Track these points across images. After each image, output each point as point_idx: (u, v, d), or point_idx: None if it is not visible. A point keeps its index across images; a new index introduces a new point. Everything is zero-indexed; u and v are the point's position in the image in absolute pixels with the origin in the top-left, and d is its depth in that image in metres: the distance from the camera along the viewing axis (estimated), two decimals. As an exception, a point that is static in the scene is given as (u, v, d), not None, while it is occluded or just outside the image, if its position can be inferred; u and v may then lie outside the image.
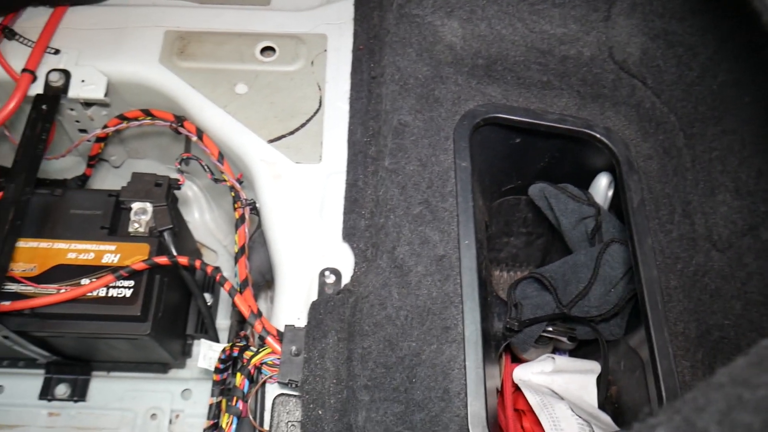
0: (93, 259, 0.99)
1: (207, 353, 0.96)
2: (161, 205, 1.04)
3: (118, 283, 0.97)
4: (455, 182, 0.98)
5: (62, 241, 1.00)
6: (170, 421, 1.21)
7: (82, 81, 1.11)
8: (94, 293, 0.96)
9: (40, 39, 1.14)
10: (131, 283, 0.97)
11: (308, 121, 1.10)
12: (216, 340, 1.22)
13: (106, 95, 1.12)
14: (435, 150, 1.01)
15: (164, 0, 1.23)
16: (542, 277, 1.03)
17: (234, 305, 0.97)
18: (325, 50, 1.18)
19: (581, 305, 1.00)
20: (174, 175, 1.08)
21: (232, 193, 1.05)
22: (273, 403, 0.87)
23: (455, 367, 0.85)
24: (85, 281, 0.96)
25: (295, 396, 0.87)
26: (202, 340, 0.97)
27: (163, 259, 0.98)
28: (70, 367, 1.20)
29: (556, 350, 1.10)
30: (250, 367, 0.88)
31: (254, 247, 1.07)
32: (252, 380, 0.89)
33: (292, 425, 0.85)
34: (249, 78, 1.14)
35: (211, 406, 1.01)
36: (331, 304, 0.90)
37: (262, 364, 0.88)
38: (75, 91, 1.11)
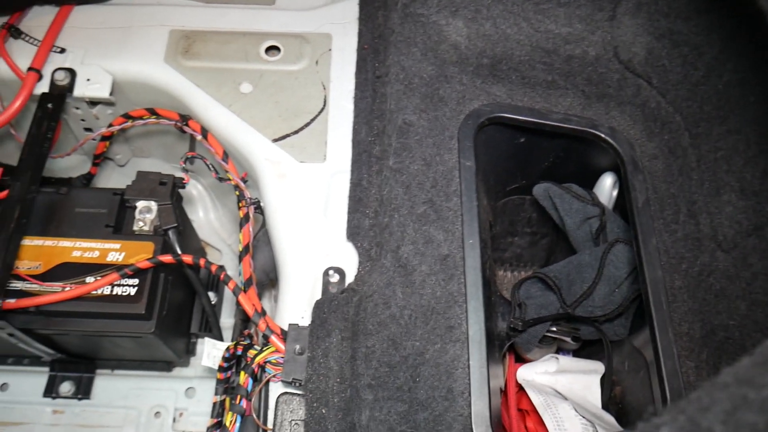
0: (98, 257, 0.99)
1: (211, 352, 0.96)
2: (166, 204, 1.04)
3: (123, 282, 0.97)
4: (459, 182, 0.98)
5: (67, 240, 1.00)
6: (174, 420, 1.22)
7: (88, 80, 1.12)
8: (99, 291, 0.96)
9: (45, 38, 1.14)
10: (136, 281, 0.98)
11: (313, 120, 1.10)
12: (220, 338, 1.22)
13: (111, 94, 1.12)
14: (439, 149, 1.01)
15: (169, -1, 1.23)
16: (546, 277, 1.02)
17: (238, 304, 0.97)
18: (330, 50, 1.18)
19: (585, 305, 0.99)
20: (179, 174, 1.08)
21: (237, 192, 1.05)
22: (276, 402, 0.87)
23: (459, 366, 0.84)
24: (89, 279, 0.96)
25: (298, 395, 0.87)
26: (206, 339, 0.98)
27: (167, 258, 0.98)
28: (74, 364, 1.20)
29: (560, 350, 1.10)
30: (254, 366, 0.88)
31: (258, 245, 1.07)
32: (256, 379, 0.89)
33: (296, 424, 0.85)
34: (254, 77, 1.14)
35: (214, 404, 1.01)
36: (335, 303, 0.90)
37: (265, 362, 0.88)
38: (80, 90, 1.11)
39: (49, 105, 1.08)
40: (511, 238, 1.26)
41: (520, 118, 1.05)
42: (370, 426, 0.80)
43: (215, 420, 0.97)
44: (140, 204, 1.03)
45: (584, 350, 1.10)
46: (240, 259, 1.00)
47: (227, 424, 0.85)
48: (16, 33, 1.15)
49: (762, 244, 0.85)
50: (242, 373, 0.88)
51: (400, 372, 0.84)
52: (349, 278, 0.95)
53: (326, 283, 0.95)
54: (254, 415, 0.87)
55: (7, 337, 0.99)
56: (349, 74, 1.15)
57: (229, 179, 1.06)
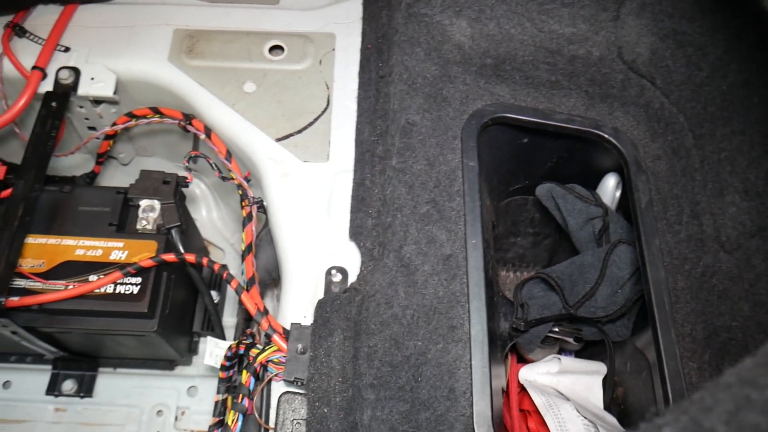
0: (101, 255, 0.99)
1: (213, 351, 0.96)
2: (169, 203, 1.04)
3: (126, 280, 0.97)
4: (462, 182, 0.98)
5: (71, 238, 1.00)
6: (176, 418, 1.22)
7: (92, 78, 1.12)
8: (102, 290, 0.96)
9: (50, 37, 1.14)
10: (138, 279, 0.98)
11: (316, 119, 1.10)
12: (222, 337, 1.22)
13: (115, 93, 1.12)
14: (442, 149, 1.01)
15: (173, -2, 1.23)
16: (549, 278, 1.02)
17: (241, 303, 0.97)
18: (334, 49, 1.18)
19: (588, 306, 0.99)
20: (182, 173, 1.08)
21: (240, 191, 1.05)
22: (279, 401, 0.87)
23: (461, 366, 0.84)
24: (92, 278, 0.97)
25: (300, 394, 0.87)
26: (209, 338, 0.98)
27: (170, 257, 0.99)
28: (77, 363, 1.21)
29: (562, 351, 1.10)
30: (256, 365, 0.88)
31: (261, 245, 1.07)
32: (258, 378, 0.89)
33: (298, 423, 0.85)
34: (257, 76, 1.14)
35: (216, 403, 1.01)
36: (338, 302, 0.90)
37: (268, 361, 0.88)
38: (84, 89, 1.11)
39: (53, 103, 1.09)
40: (514, 239, 1.26)
41: (524, 118, 1.05)
42: (371, 425, 0.80)
43: (217, 419, 0.98)
44: (143, 203, 1.04)
45: (586, 351, 1.10)
46: (243, 258, 1.00)
47: (229, 422, 0.85)
48: (20, 32, 1.15)
49: (765, 245, 0.85)
50: (244, 372, 0.88)
51: (402, 371, 0.84)
52: (352, 278, 0.95)
53: (329, 283, 0.95)
54: (256, 414, 0.87)
55: (10, 334, 0.99)
56: (352, 74, 1.15)
57: (233, 178, 1.06)
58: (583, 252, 1.05)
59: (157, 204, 1.04)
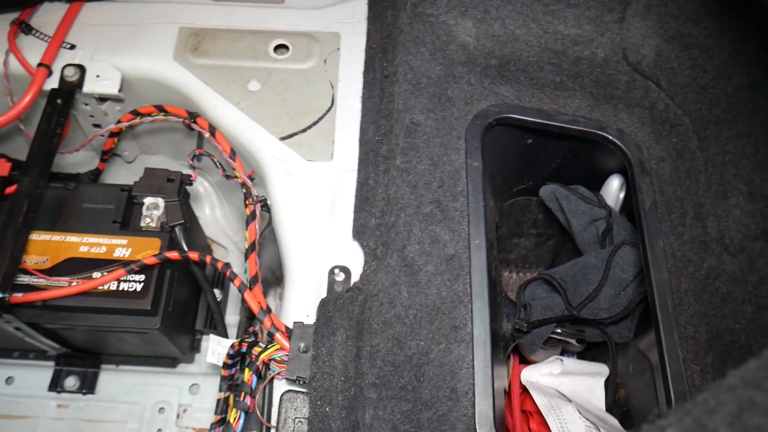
0: (105, 252, 0.99)
1: (216, 348, 0.96)
2: (173, 201, 1.04)
3: (129, 277, 0.98)
4: (466, 182, 0.98)
5: (74, 235, 1.00)
6: (178, 416, 1.22)
7: (97, 76, 1.12)
8: (105, 287, 0.97)
9: (56, 34, 1.15)
10: (142, 277, 0.98)
11: (320, 119, 1.10)
12: (225, 335, 1.22)
13: (120, 90, 1.12)
14: (447, 149, 1.01)
15: (179, -3, 1.24)
16: (552, 279, 1.02)
17: (243, 301, 0.97)
18: (338, 49, 1.18)
19: (591, 307, 0.99)
20: (186, 171, 1.08)
21: (244, 190, 1.06)
22: (281, 400, 0.87)
23: (463, 366, 0.84)
24: (96, 275, 0.97)
25: (302, 393, 0.87)
26: (211, 336, 0.98)
27: (174, 254, 0.99)
28: (79, 359, 1.21)
29: (565, 352, 1.10)
30: (258, 363, 0.88)
31: (264, 243, 1.07)
32: (260, 376, 0.89)
33: (300, 422, 0.85)
34: (262, 75, 1.14)
35: (218, 401, 1.02)
36: (341, 301, 0.90)
37: (270, 360, 0.88)
38: (90, 86, 1.11)
39: (59, 101, 1.09)
40: (517, 239, 1.26)
41: (528, 119, 1.05)
42: (373, 425, 0.80)
43: (219, 417, 0.98)
44: (147, 200, 1.04)
45: (589, 352, 1.10)
46: (246, 256, 1.00)
47: (231, 420, 0.86)
48: (26, 29, 1.16)
49: (769, 248, 0.85)
50: (247, 370, 0.88)
51: (405, 371, 0.84)
52: (355, 277, 0.96)
53: (332, 282, 0.95)
54: (258, 413, 0.87)
55: (14, 330, 0.99)
56: (357, 73, 1.15)
57: (236, 177, 1.06)
58: (587, 253, 1.05)
59: (161, 202, 1.04)
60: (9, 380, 1.22)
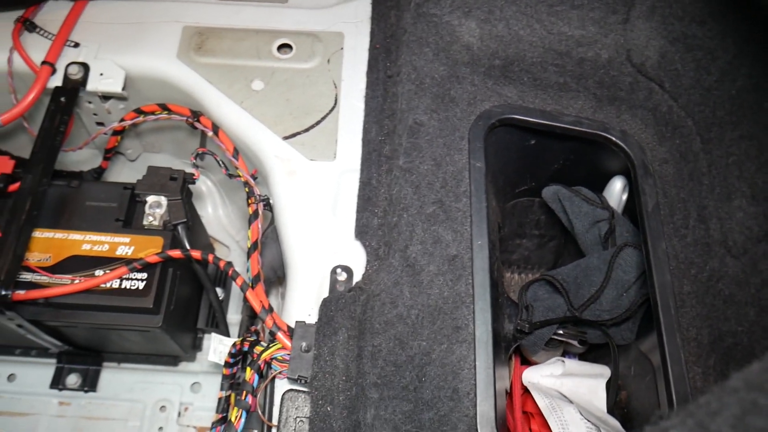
0: (107, 250, 0.99)
1: (217, 347, 0.97)
2: (176, 199, 1.04)
3: (132, 275, 0.98)
4: (469, 182, 0.98)
5: (77, 232, 1.01)
6: (179, 414, 1.22)
7: (101, 74, 1.12)
8: (108, 285, 0.97)
9: (60, 32, 1.15)
10: (144, 275, 0.98)
11: (323, 118, 1.10)
12: (226, 334, 1.23)
13: (123, 89, 1.13)
14: (450, 150, 1.00)
15: (183, -5, 1.24)
16: (554, 280, 1.02)
17: (245, 300, 0.97)
18: (342, 48, 1.18)
19: (593, 309, 0.99)
20: (189, 170, 1.09)
21: (246, 189, 1.06)
22: (282, 399, 0.87)
23: (465, 367, 0.84)
24: (99, 272, 0.97)
25: (304, 392, 0.87)
26: (213, 334, 0.98)
27: (176, 253, 0.99)
28: (81, 357, 1.21)
29: (566, 353, 1.10)
30: (260, 362, 0.88)
31: (267, 242, 1.07)
32: (261, 375, 0.89)
33: (301, 421, 0.85)
34: (265, 75, 1.14)
35: (220, 399, 1.02)
36: (342, 301, 0.90)
37: (272, 359, 0.88)
38: (93, 84, 1.12)
39: (62, 99, 1.09)
40: (519, 240, 1.26)
41: (531, 119, 1.05)
42: (374, 424, 0.80)
43: (220, 415, 0.98)
44: (150, 199, 1.04)
45: (590, 354, 1.10)
46: (248, 255, 1.00)
47: (232, 419, 0.86)
48: (30, 27, 1.16)
49: (773, 250, 0.85)
50: (248, 369, 0.88)
51: (406, 371, 0.84)
52: (357, 277, 0.96)
53: (334, 282, 0.95)
54: (259, 411, 0.87)
55: (16, 328, 0.99)
56: (360, 73, 1.15)
57: (239, 176, 1.06)
58: (589, 255, 1.05)
59: (163, 200, 1.04)
60: (11, 377, 1.23)
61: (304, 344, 0.88)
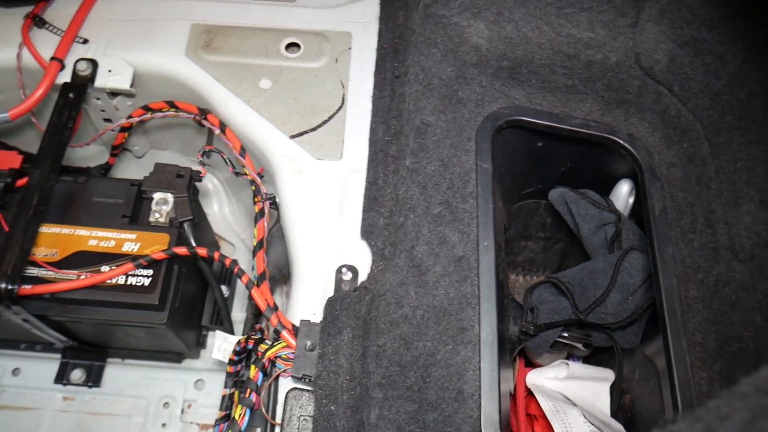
0: (113, 246, 1.00)
1: (222, 345, 0.97)
2: (182, 196, 1.04)
3: (137, 272, 0.98)
4: (476, 184, 0.98)
5: (84, 228, 1.01)
6: (182, 411, 1.22)
7: (109, 71, 1.13)
8: (113, 281, 0.97)
9: (69, 28, 1.15)
10: (150, 272, 0.98)
11: (330, 118, 1.10)
12: (231, 332, 1.23)
13: (131, 86, 1.13)
14: (457, 151, 1.00)
15: (192, -7, 1.24)
16: (560, 282, 1.02)
17: (250, 298, 0.97)
18: (350, 48, 1.18)
19: (598, 312, 0.99)
20: (196, 167, 1.09)
21: (253, 187, 1.06)
22: (286, 397, 0.87)
23: (470, 368, 0.84)
24: (104, 268, 0.97)
25: (308, 391, 0.87)
26: (217, 332, 0.98)
27: (182, 250, 0.99)
28: (86, 352, 1.21)
29: (571, 356, 1.10)
30: (264, 360, 0.88)
31: (272, 241, 1.07)
32: (266, 373, 0.89)
33: (304, 420, 0.85)
34: (273, 73, 1.15)
35: (223, 397, 1.02)
36: (348, 300, 0.90)
37: (276, 357, 0.89)
38: (102, 81, 1.12)
39: (71, 95, 1.09)
40: (525, 242, 1.25)
41: (539, 121, 1.05)
42: (378, 424, 0.80)
43: (224, 413, 0.98)
44: (157, 195, 1.04)
45: (595, 357, 1.10)
46: (254, 253, 1.00)
47: (236, 417, 0.86)
48: (40, 23, 1.16)
49: (780, 256, 0.84)
50: (252, 367, 0.88)
51: (411, 372, 0.84)
52: (362, 276, 0.96)
53: (339, 281, 0.95)
54: (263, 409, 0.87)
55: (22, 322, 1.00)
56: (368, 73, 1.15)
57: (246, 174, 1.06)
58: (595, 258, 1.05)
59: (170, 197, 1.04)
60: (15, 371, 1.23)
61: (308, 343, 0.88)
